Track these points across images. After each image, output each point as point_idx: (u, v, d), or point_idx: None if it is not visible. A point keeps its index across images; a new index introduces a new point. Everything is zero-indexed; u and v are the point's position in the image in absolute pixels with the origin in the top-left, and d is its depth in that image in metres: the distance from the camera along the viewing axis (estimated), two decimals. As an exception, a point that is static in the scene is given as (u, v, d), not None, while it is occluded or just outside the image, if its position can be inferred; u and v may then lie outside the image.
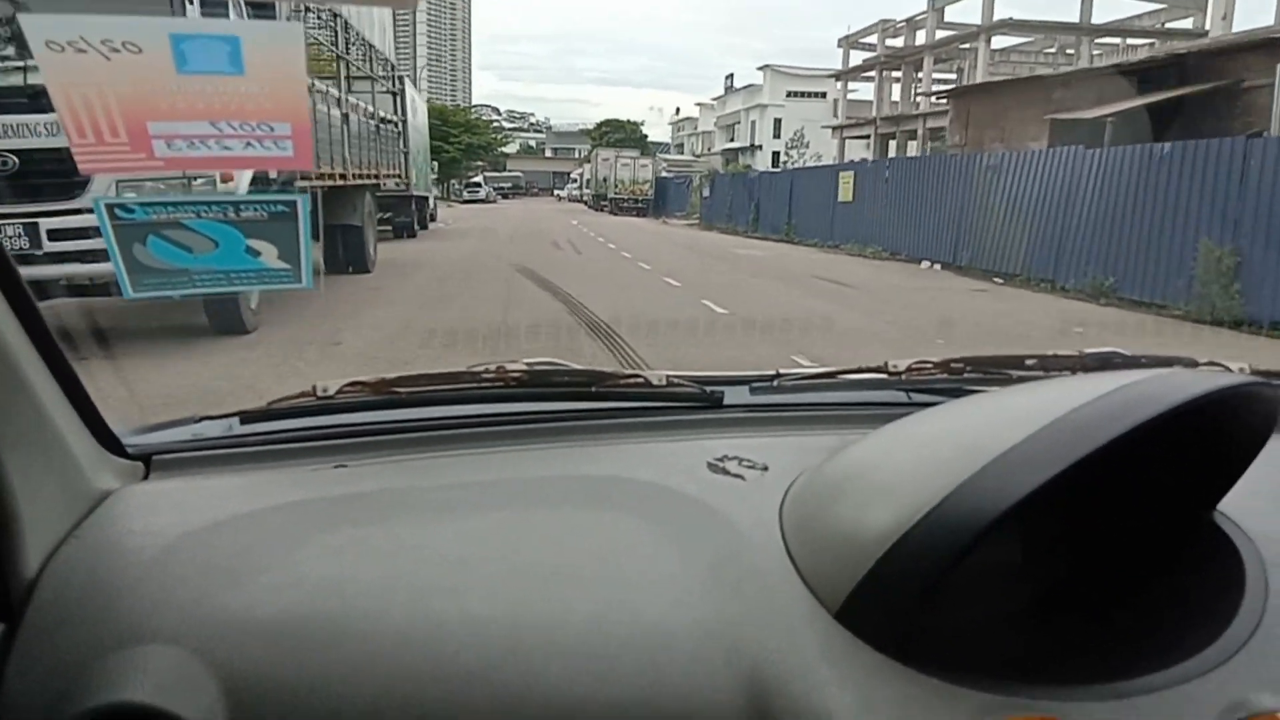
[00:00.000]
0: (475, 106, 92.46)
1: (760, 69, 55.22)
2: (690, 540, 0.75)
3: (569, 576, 0.72)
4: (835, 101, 45.62)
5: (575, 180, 67.97)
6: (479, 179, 65.67)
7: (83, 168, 0.71)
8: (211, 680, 0.64)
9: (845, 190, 19.20)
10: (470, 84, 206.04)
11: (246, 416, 0.97)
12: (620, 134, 69.47)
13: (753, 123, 55.36)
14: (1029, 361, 1.10)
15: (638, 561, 0.73)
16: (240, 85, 0.71)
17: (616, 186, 42.49)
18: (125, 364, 4.64)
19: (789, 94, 53.71)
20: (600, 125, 75.77)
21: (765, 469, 0.87)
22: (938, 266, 14.84)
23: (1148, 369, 0.81)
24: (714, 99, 65.27)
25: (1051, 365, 1.09)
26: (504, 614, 0.69)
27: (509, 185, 77.40)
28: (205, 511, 0.78)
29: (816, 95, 51.75)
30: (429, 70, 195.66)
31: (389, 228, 17.44)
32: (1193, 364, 1.09)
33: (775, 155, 44.91)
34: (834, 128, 38.54)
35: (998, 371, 1.09)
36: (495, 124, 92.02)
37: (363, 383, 0.97)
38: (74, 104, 0.68)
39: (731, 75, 63.71)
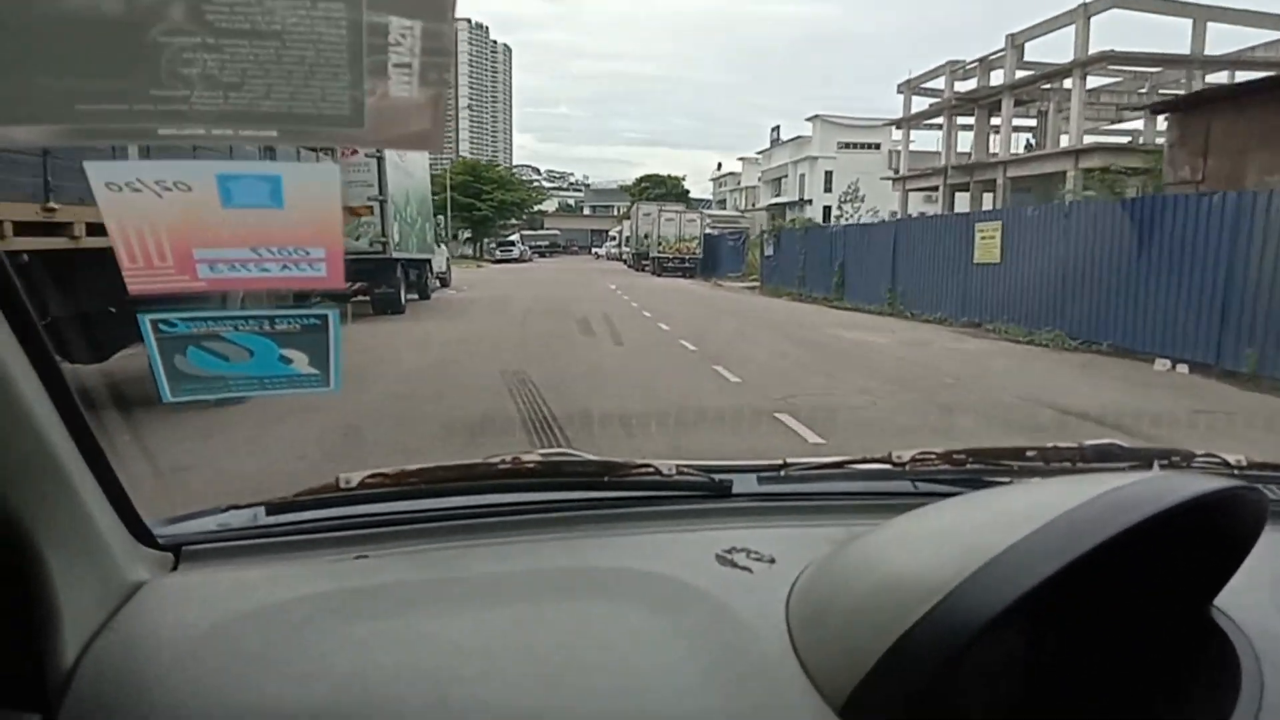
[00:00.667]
0: (516, 167, 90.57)
1: (809, 120, 53.37)
2: (698, 633, 0.78)
3: (582, 669, 0.75)
4: (891, 153, 43.57)
5: (614, 238, 66.60)
6: (514, 237, 63.69)
7: (132, 289, 0.78)
8: None
9: (987, 248, 13.70)
10: (511, 146, 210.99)
11: (272, 507, 1.02)
12: (661, 189, 69.70)
13: (801, 176, 54.07)
14: (1029, 453, 1.13)
15: (647, 655, 0.77)
16: (279, 216, 0.79)
17: (660, 244, 38.87)
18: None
19: (840, 145, 51.27)
20: (640, 181, 73.22)
21: (772, 561, 0.90)
22: (1184, 368, 9.11)
23: (1144, 462, 1.01)
24: (759, 153, 63.93)
25: (1052, 457, 1.12)
26: (519, 706, 0.72)
27: (546, 244, 75.24)
28: (233, 603, 0.82)
29: (869, 147, 49.14)
30: (471, 134, 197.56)
31: (366, 299, 14.14)
32: (1190, 456, 1.12)
33: (826, 210, 43.24)
34: (894, 179, 35.75)
35: (999, 463, 1.12)
36: (535, 183, 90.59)
37: (384, 474, 1.04)
38: (127, 234, 0.77)
39: (778, 127, 62.17)
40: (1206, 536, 0.75)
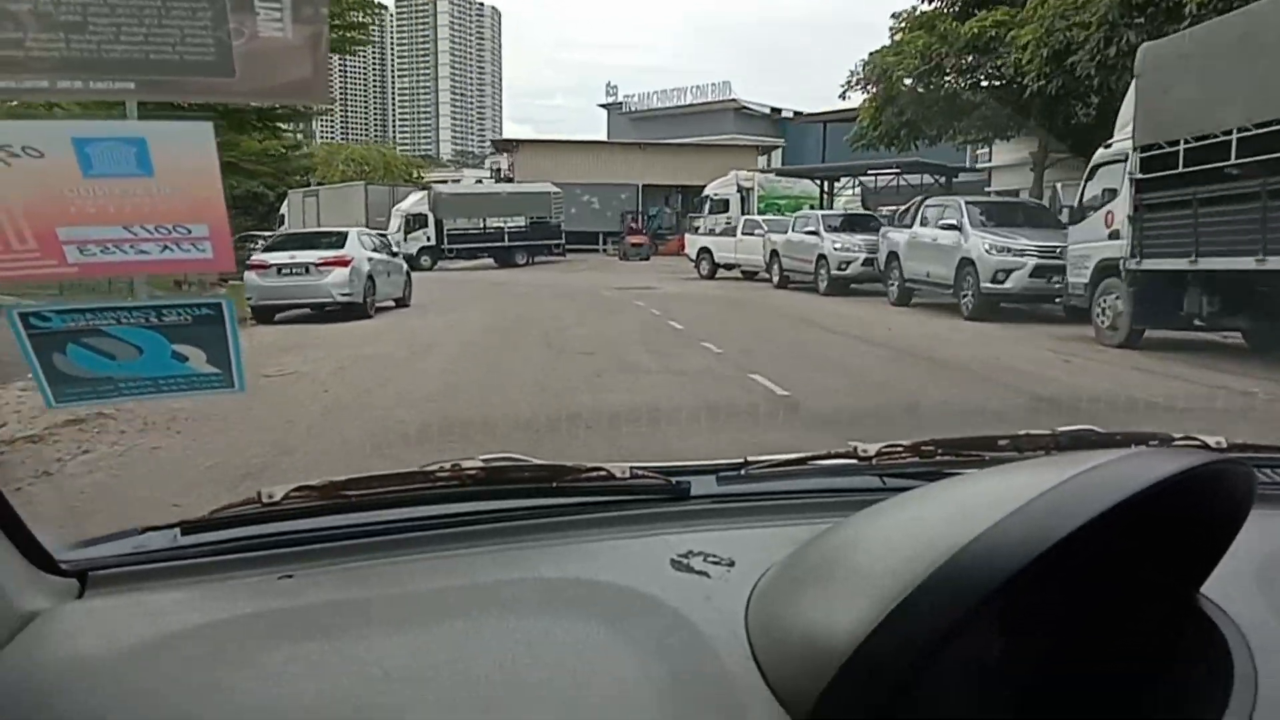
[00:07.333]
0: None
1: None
2: (653, 646, 0.76)
3: (523, 692, 0.72)
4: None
5: (721, 199, 27.45)
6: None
7: None
8: None
9: None
10: (502, 131, 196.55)
11: (189, 527, 0.99)
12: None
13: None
14: (1001, 442, 1.13)
15: (597, 672, 0.74)
16: (151, 186, 0.74)
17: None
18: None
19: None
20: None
21: (731, 564, 0.88)
22: None
23: (1121, 447, 0.96)
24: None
25: (1025, 445, 1.12)
26: None
27: (525, 224, 30.46)
28: (138, 631, 0.79)
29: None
30: (453, 109, 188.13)
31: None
32: (1168, 440, 1.13)
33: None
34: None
35: (970, 453, 1.11)
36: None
37: (311, 487, 1.00)
38: None
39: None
40: (1190, 519, 0.73)
